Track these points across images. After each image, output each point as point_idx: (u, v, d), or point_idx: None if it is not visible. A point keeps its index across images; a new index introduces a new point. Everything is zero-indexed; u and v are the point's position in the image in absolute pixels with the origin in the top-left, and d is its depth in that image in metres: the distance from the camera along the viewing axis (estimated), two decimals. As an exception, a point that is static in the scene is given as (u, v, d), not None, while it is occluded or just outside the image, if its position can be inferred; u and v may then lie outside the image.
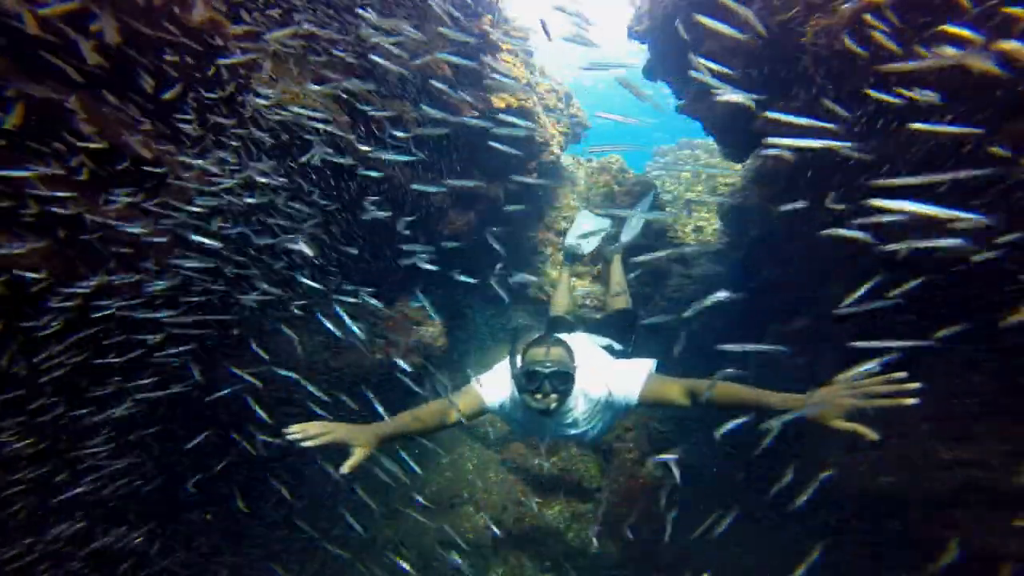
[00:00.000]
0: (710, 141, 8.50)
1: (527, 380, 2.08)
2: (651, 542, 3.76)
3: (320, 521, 3.79)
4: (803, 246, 3.39)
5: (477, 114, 4.44)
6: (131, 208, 2.17)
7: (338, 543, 3.67)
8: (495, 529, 3.96)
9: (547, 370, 2.05)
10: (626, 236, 4.68)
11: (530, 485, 4.42)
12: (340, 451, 1.91)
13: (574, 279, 5.64)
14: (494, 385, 2.37)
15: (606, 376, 2.29)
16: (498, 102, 4.76)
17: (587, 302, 5.72)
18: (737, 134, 3.46)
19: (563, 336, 2.37)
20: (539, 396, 2.06)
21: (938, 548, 1.86)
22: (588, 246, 4.75)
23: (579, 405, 2.29)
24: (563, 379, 2.08)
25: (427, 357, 4.24)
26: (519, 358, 2.17)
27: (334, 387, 3.72)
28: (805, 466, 3.05)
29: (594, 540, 3.94)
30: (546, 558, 3.92)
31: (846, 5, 2.20)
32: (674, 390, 2.12)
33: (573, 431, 2.35)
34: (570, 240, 4.80)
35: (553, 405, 2.06)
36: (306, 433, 1.82)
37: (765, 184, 3.58)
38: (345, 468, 1.83)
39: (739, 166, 6.88)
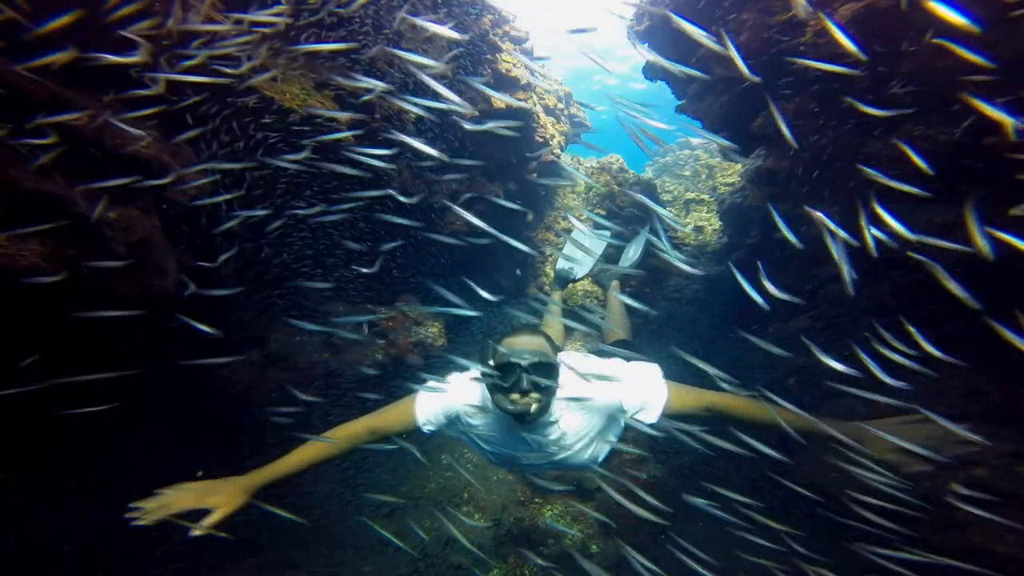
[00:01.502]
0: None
1: (501, 375, 1.68)
2: (652, 542, 3.76)
3: (321, 521, 3.79)
4: (803, 245, 3.39)
5: (477, 114, 4.44)
6: (132, 207, 2.17)
7: (337, 544, 3.67)
8: (495, 529, 3.97)
9: (525, 361, 1.66)
10: (624, 264, 4.54)
11: (530, 485, 4.43)
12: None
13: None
14: (440, 397, 1.94)
15: (610, 383, 1.85)
16: (497, 103, 4.76)
17: (586, 302, 5.72)
18: (736, 134, 3.46)
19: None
20: (515, 396, 1.67)
21: (938, 549, 1.86)
22: (581, 270, 4.49)
23: (568, 419, 1.85)
24: (546, 372, 1.68)
25: (427, 357, 4.24)
26: (491, 353, 1.78)
27: (334, 387, 3.73)
28: (805, 466, 3.05)
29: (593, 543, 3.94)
30: (546, 558, 3.91)
31: (847, 6, 2.20)
32: (696, 402, 1.84)
33: (562, 454, 1.88)
34: (561, 263, 4.48)
35: (534, 407, 1.66)
36: (143, 512, 1.53)
37: (764, 184, 3.57)
38: (196, 530, 1.52)
39: (739, 166, 6.87)
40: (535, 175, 5.81)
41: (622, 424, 1.88)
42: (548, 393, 1.71)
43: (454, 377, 2.01)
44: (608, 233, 4.68)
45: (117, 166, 2.06)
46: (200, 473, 2.72)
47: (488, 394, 1.80)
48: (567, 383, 1.83)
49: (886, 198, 1.83)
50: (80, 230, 1.98)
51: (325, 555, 3.69)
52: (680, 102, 4.29)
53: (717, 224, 6.42)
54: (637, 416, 1.83)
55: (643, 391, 1.83)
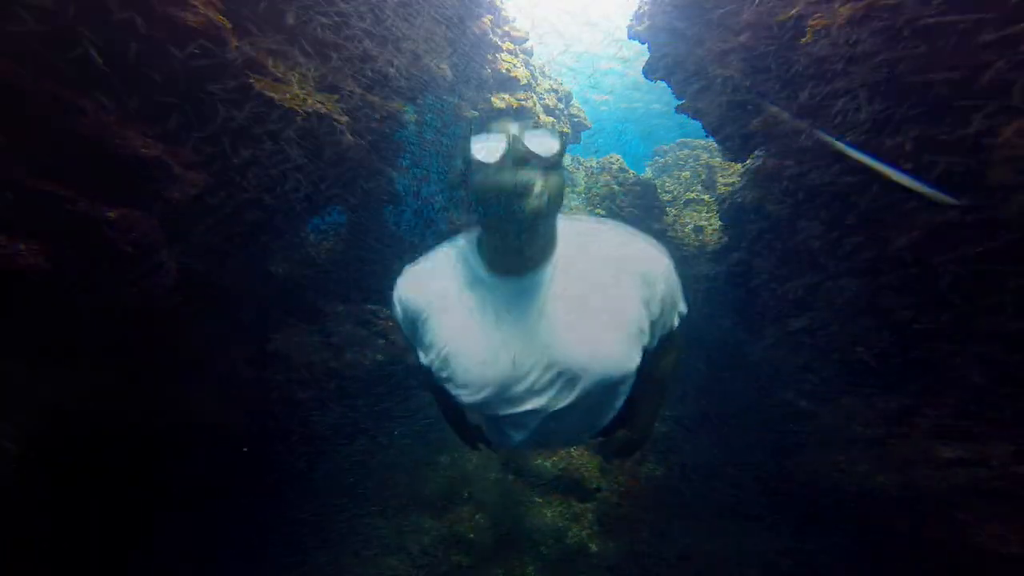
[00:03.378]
0: (710, 141, 8.51)
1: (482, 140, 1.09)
2: (652, 541, 3.76)
3: (321, 521, 3.79)
4: (803, 245, 3.39)
5: (476, 114, 4.45)
6: (132, 207, 2.17)
7: (339, 544, 3.67)
8: (495, 529, 3.97)
9: (516, 128, 1.07)
10: None
11: (530, 485, 4.42)
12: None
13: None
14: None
15: (632, 239, 1.24)
16: (498, 102, 4.77)
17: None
18: (736, 134, 3.46)
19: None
20: (508, 175, 1.03)
21: (938, 548, 1.86)
22: None
23: (573, 282, 1.17)
24: (544, 144, 1.06)
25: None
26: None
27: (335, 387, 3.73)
28: (805, 465, 3.06)
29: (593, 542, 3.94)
30: (546, 558, 3.91)
31: (846, 6, 2.20)
32: None
33: (567, 359, 1.15)
34: None
35: (537, 185, 1.04)
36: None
37: (764, 184, 3.58)
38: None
39: (739, 166, 6.87)
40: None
41: (658, 318, 1.23)
42: (550, 170, 1.08)
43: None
44: None
45: (118, 166, 2.06)
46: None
47: (460, 255, 1.24)
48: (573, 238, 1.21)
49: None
50: (80, 230, 1.98)
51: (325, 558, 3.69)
52: (680, 101, 4.30)
53: (717, 224, 6.43)
54: (672, 292, 1.24)
55: (669, 267, 1.24)
